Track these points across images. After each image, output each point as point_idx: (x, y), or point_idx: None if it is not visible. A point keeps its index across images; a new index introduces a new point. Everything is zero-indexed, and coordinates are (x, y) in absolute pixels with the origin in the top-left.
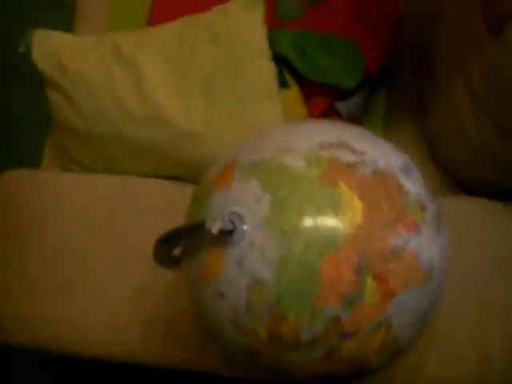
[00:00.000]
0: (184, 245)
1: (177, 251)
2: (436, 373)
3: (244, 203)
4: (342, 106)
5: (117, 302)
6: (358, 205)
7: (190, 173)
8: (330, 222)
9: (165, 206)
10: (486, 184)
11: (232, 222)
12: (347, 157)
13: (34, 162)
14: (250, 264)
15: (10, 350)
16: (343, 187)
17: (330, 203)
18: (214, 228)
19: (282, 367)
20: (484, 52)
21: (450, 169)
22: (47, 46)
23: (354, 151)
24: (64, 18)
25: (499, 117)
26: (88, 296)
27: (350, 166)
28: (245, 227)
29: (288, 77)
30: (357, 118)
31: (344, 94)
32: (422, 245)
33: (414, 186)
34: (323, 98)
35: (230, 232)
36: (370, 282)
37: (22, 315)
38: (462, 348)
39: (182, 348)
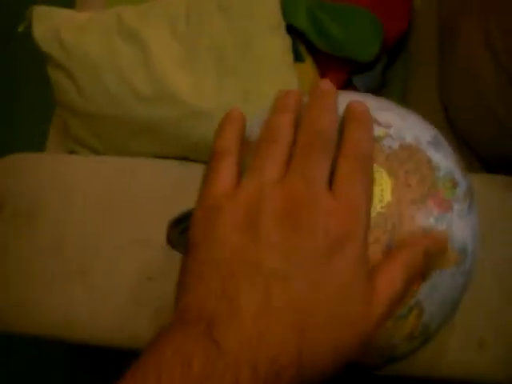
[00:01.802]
0: None
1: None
2: (459, 358)
3: None
4: (360, 80)
5: (124, 289)
6: (386, 181)
7: (200, 153)
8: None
9: (175, 187)
10: (508, 160)
11: None
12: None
13: (40, 146)
14: None
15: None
16: None
17: None
18: None
19: None
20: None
21: (472, 143)
22: (48, 23)
23: (379, 124)
24: None
25: None
26: (92, 284)
27: (376, 140)
28: None
29: (302, 50)
30: (376, 92)
31: (361, 68)
32: (454, 224)
33: (444, 160)
34: (339, 72)
35: None
36: None
37: (22, 304)
38: (485, 332)
39: None
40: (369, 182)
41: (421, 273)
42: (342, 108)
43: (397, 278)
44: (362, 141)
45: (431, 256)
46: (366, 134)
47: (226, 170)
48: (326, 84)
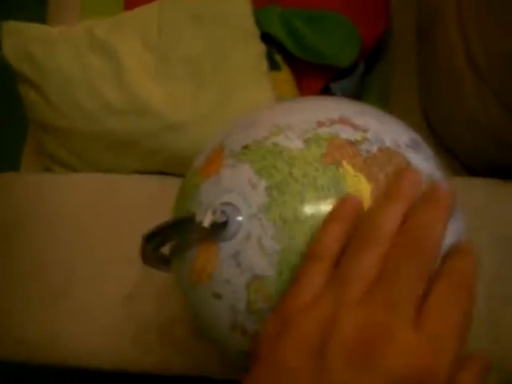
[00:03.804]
0: (173, 242)
1: (166, 249)
2: None
3: (237, 191)
4: (338, 87)
5: (106, 309)
6: (365, 186)
7: (177, 167)
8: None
9: (152, 203)
10: (489, 163)
11: (225, 213)
12: (349, 134)
13: (15, 164)
14: (248, 259)
15: None
16: (347, 167)
17: (333, 186)
18: (206, 221)
19: None
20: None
21: (452, 147)
22: (18, 39)
23: (356, 128)
24: (38, 12)
25: (501, 89)
26: (74, 305)
27: (353, 144)
28: (239, 218)
29: (278, 58)
30: (355, 98)
31: (339, 74)
32: None
33: (424, 163)
34: (317, 79)
35: (223, 224)
36: None
37: (3, 329)
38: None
39: (180, 354)
40: (465, 318)
41: None
42: (317, 112)
43: None
44: (468, 270)
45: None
46: (473, 265)
47: (312, 283)
48: (445, 190)
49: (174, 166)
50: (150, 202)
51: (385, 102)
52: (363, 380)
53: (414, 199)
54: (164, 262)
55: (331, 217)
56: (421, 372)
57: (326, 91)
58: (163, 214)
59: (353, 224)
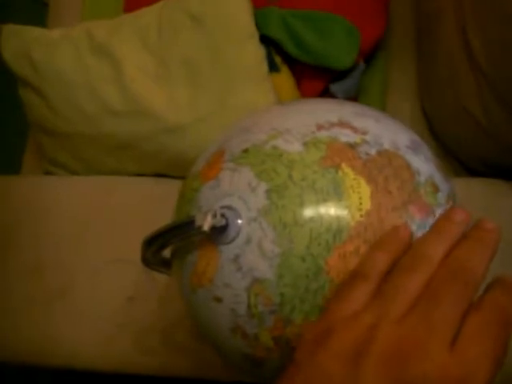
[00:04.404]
0: (173, 245)
1: (167, 253)
2: None
3: (237, 195)
4: (337, 88)
5: (107, 310)
6: (365, 189)
7: (177, 169)
8: (335, 210)
9: (152, 205)
10: (489, 163)
11: (224, 217)
12: (348, 137)
13: (14, 168)
14: (248, 262)
15: None
16: (347, 170)
17: (333, 189)
18: (205, 225)
19: None
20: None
21: (452, 148)
22: (18, 43)
23: (355, 130)
24: (38, 15)
25: (501, 88)
26: (75, 308)
27: (352, 147)
28: (239, 221)
29: (278, 59)
30: (354, 100)
31: (338, 75)
32: None
33: (424, 164)
34: (316, 81)
35: (223, 228)
36: None
37: (3, 332)
38: None
39: (182, 356)
40: (499, 350)
41: None
42: (316, 115)
43: None
44: (508, 305)
45: None
46: None
47: (356, 298)
48: (492, 224)
49: (173, 168)
50: (149, 203)
51: (384, 102)
52: None
53: (460, 235)
54: (165, 265)
55: (382, 242)
56: None
57: (326, 92)
58: (163, 216)
59: (402, 251)
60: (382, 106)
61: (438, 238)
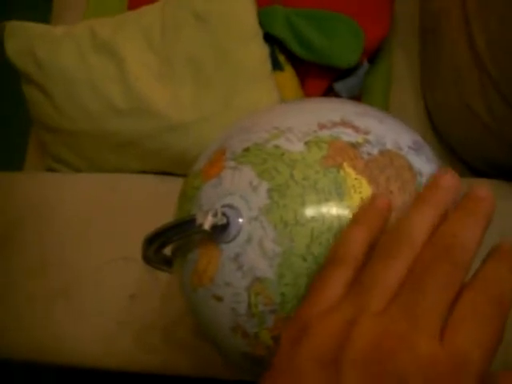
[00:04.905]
0: (174, 244)
1: (168, 251)
2: None
3: (238, 194)
4: (341, 87)
5: (109, 308)
6: (366, 189)
7: (180, 167)
8: (336, 209)
9: (154, 203)
10: (493, 163)
11: (225, 216)
12: (350, 136)
13: (17, 165)
14: (249, 261)
15: None
16: (348, 170)
17: (334, 189)
18: (206, 223)
19: None
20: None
21: (456, 148)
22: (21, 39)
23: (357, 130)
24: (42, 11)
25: (505, 88)
26: (78, 305)
27: (354, 147)
28: (240, 220)
29: (281, 58)
30: (357, 99)
31: (342, 74)
32: None
33: (426, 165)
34: (320, 80)
35: (224, 227)
36: None
37: (6, 329)
38: None
39: (184, 354)
40: (495, 334)
41: None
42: (318, 115)
43: None
44: (504, 278)
45: None
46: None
47: (332, 289)
48: (484, 191)
49: (177, 166)
50: (152, 201)
51: (388, 101)
52: None
53: (449, 204)
54: (167, 263)
55: (357, 218)
56: None
57: (330, 91)
58: (166, 213)
59: (380, 227)
60: (386, 105)
61: (422, 211)
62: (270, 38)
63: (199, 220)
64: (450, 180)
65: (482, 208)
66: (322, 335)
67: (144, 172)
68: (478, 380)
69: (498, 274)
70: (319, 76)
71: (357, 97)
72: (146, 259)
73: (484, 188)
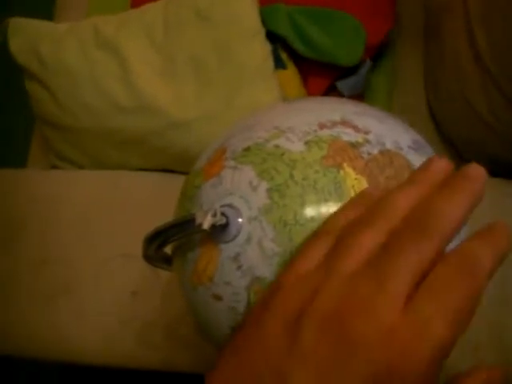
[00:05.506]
0: (174, 242)
1: (168, 249)
2: (454, 362)
3: (238, 193)
4: (344, 85)
5: (111, 306)
6: None
7: (182, 164)
8: (336, 209)
9: (156, 200)
10: (496, 162)
11: (225, 215)
12: (350, 136)
13: (20, 162)
14: (248, 261)
15: None
16: (348, 170)
17: (334, 189)
18: (206, 223)
19: None
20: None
21: (459, 146)
22: (25, 36)
23: (357, 130)
24: (45, 9)
25: (506, 87)
26: (80, 302)
27: (354, 147)
28: (240, 220)
29: (284, 56)
30: (360, 97)
31: (345, 73)
32: None
33: None
34: (323, 78)
35: (224, 226)
36: None
37: (3, 324)
38: (481, 337)
39: (185, 351)
40: (464, 305)
41: None
42: (318, 114)
43: None
44: (484, 257)
45: None
46: (494, 252)
47: (312, 257)
48: (477, 172)
49: (179, 163)
50: (154, 198)
51: (390, 101)
52: (330, 351)
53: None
54: (167, 262)
55: (348, 202)
56: (394, 357)
57: (332, 89)
58: (168, 210)
59: (368, 206)
60: (389, 104)
61: (408, 188)
62: (272, 36)
63: (199, 220)
64: (441, 164)
65: (470, 186)
66: (290, 297)
67: (146, 169)
68: (441, 353)
69: (478, 249)
70: (321, 74)
71: (360, 95)
72: (147, 258)
73: (476, 168)
